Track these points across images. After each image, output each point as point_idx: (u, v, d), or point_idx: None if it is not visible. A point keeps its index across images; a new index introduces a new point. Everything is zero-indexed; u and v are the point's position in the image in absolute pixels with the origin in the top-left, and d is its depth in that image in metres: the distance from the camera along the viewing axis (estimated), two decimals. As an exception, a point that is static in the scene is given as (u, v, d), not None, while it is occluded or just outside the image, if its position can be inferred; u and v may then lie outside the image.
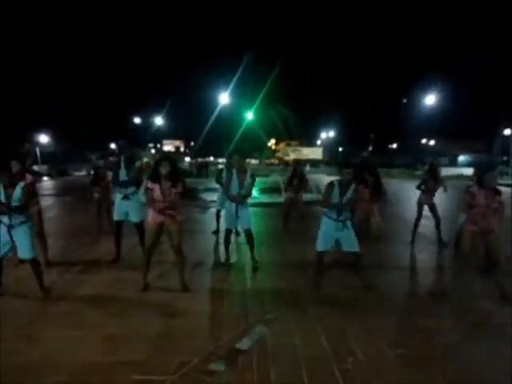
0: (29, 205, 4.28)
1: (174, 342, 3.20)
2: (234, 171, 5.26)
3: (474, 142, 54.35)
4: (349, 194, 4.26)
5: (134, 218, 5.37)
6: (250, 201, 5.54)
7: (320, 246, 4.43)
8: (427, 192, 6.73)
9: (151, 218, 4.31)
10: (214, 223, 7.45)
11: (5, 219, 4.01)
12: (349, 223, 4.34)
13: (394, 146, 66.28)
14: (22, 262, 4.47)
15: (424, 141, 57.56)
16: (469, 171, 40.24)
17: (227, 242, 5.52)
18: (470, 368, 2.89)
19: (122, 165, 5.30)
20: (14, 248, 4.10)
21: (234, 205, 5.20)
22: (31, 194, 4.42)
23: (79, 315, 3.75)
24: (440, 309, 4.07)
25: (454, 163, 50.03)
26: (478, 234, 4.22)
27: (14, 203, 4.00)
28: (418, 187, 6.85)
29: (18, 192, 4.02)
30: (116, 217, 5.45)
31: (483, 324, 3.66)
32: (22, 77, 34.39)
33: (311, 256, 4.72)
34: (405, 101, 50.77)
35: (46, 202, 13.33)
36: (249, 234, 5.36)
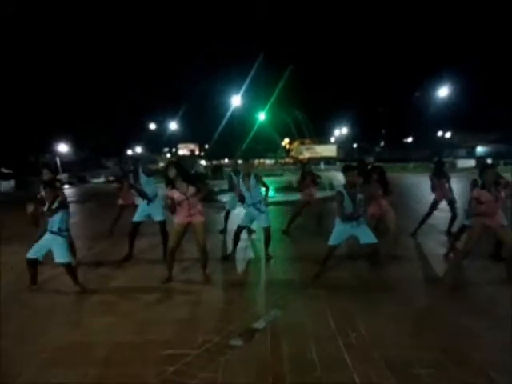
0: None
1: (198, 324, 3.61)
2: (240, 178, 5.66)
3: (492, 133, 53.34)
4: (358, 199, 4.46)
5: (158, 216, 5.75)
6: (267, 201, 5.79)
7: (333, 240, 4.64)
8: (437, 189, 6.94)
9: (178, 219, 4.70)
10: (223, 223, 7.79)
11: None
12: (362, 220, 4.55)
13: (410, 139, 65.54)
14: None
15: (440, 133, 56.82)
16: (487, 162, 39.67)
17: (237, 237, 5.83)
18: (461, 339, 3.20)
19: (141, 175, 5.71)
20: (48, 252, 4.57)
21: (254, 206, 5.60)
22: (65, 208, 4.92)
23: (112, 305, 4.20)
24: (441, 293, 4.35)
25: (471, 155, 49.23)
26: (486, 227, 4.46)
27: (55, 224, 4.51)
28: (433, 189, 7.01)
29: (57, 218, 4.54)
30: (136, 218, 5.80)
31: (482, 306, 3.93)
32: (37, 89, 35.52)
33: (322, 251, 4.96)
34: (417, 94, 50.19)
35: (70, 208, 14.00)
36: (267, 232, 5.74)
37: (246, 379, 2.74)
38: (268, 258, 5.77)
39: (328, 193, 11.58)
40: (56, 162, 39.17)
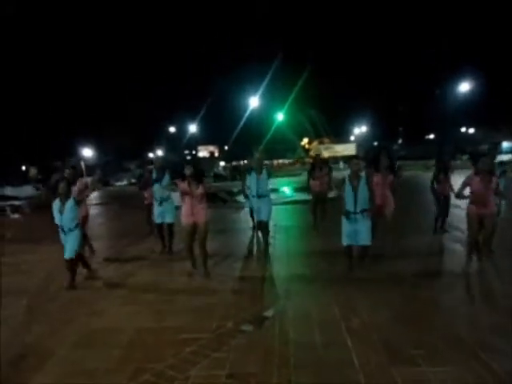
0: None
1: (212, 312, 3.92)
2: (253, 171, 5.91)
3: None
4: (361, 184, 4.58)
5: (168, 219, 6.27)
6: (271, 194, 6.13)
7: (344, 240, 4.80)
8: (441, 184, 7.02)
9: (184, 218, 4.99)
10: (248, 220, 8.02)
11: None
12: (366, 215, 4.62)
13: (431, 136, 64.14)
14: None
15: (463, 129, 55.52)
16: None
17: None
18: (453, 328, 3.39)
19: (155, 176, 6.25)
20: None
21: (255, 199, 5.89)
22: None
23: (133, 297, 4.57)
24: (441, 285, 4.55)
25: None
26: (478, 216, 4.61)
27: (67, 213, 4.81)
28: (432, 184, 7.13)
29: (69, 205, 4.81)
30: (156, 220, 6.38)
31: (481, 297, 4.09)
32: (60, 94, 37.02)
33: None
34: (437, 91, 49.19)
35: (95, 210, 14.64)
36: (263, 226, 6.01)
37: (254, 359, 3.01)
38: (264, 253, 6.00)
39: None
40: (81, 166, 40.45)
